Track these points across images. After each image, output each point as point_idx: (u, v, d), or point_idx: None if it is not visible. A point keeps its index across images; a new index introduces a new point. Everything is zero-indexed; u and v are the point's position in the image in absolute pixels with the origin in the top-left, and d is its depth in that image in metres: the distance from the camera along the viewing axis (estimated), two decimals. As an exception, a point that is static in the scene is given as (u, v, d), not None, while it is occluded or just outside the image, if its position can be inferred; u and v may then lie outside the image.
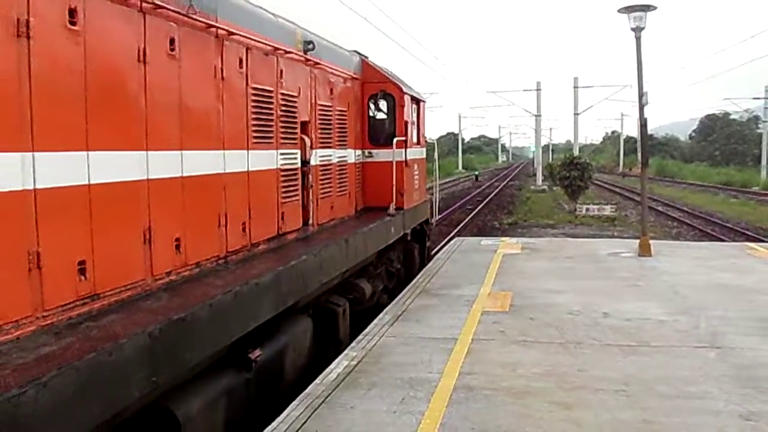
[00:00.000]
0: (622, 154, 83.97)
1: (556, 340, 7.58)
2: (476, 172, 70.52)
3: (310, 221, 8.51)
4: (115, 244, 4.71)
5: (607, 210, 29.01)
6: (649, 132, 19.36)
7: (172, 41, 5.39)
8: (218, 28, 6.12)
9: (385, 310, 9.02)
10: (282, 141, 7.63)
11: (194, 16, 5.69)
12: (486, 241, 16.30)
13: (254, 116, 6.89)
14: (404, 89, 11.41)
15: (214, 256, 6.11)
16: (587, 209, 29.13)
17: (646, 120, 14.59)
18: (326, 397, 5.91)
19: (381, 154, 11.03)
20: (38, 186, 3.96)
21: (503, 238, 17.57)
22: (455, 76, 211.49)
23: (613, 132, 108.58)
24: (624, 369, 6.58)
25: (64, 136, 4.22)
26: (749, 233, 23.00)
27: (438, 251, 15.09)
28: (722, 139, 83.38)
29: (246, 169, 6.74)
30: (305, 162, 8.28)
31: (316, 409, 5.64)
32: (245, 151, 6.74)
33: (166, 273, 5.33)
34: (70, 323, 4.21)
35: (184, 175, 5.59)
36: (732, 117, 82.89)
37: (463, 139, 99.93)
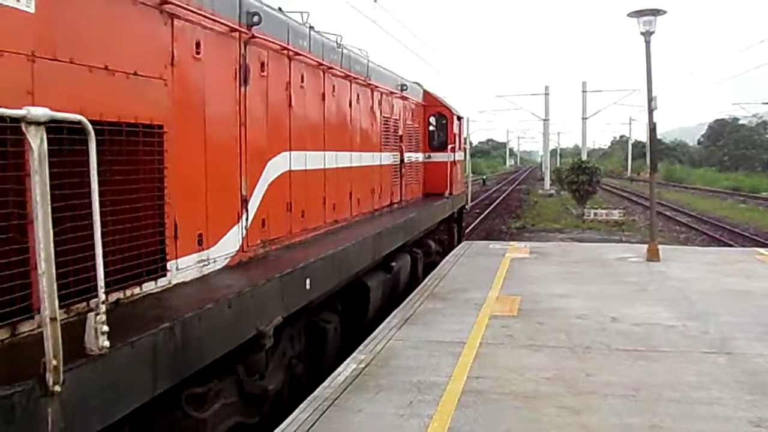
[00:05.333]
0: (630, 158, 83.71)
1: (564, 345, 7.58)
2: (484, 176, 70.33)
3: (402, 198, 13.26)
4: (343, 197, 9.53)
5: (615, 215, 28.95)
6: (658, 137, 19.31)
7: (358, 96, 10.20)
8: (371, 84, 10.85)
9: (393, 314, 9.06)
10: (392, 147, 12.52)
11: (367, 80, 10.55)
12: (494, 245, 16.29)
13: (383, 133, 11.83)
14: (453, 111, 16.33)
15: (369, 210, 10.91)
16: (595, 214, 29.08)
17: (655, 124, 14.56)
18: (334, 400, 5.91)
19: (436, 156, 15.84)
20: (327, 167, 8.85)
21: (511, 242, 17.56)
22: (463, 80, 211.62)
23: (621, 136, 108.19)
24: (632, 374, 6.56)
25: (323, 143, 8.65)
26: (758, 239, 22.90)
27: (446, 255, 15.09)
28: (731, 144, 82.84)
29: (380, 163, 11.66)
30: (402, 160, 13.11)
31: (324, 412, 5.65)
32: (380, 153, 11.68)
33: (354, 215, 10.01)
34: (336, 229, 8.98)
35: (362, 165, 10.42)
36: (741, 122, 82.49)
37: (471, 143, 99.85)
